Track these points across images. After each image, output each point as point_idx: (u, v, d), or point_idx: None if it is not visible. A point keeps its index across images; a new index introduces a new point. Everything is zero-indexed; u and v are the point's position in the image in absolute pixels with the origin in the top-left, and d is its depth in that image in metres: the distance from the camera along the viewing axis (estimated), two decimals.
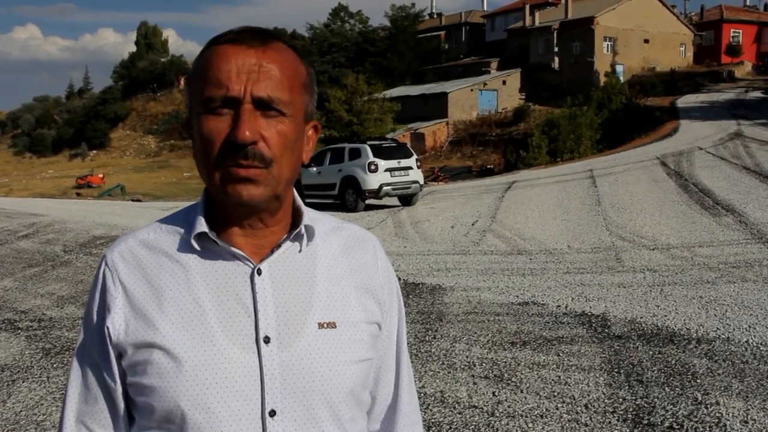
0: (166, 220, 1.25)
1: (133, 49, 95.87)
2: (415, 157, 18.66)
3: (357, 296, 1.23)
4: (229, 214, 1.16)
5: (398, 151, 18.47)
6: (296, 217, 1.22)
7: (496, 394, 4.99)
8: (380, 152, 17.86)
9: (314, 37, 70.30)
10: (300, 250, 1.21)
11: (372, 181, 17.41)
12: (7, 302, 8.28)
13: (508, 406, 4.75)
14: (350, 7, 71.35)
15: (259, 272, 1.16)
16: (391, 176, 17.60)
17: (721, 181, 16.88)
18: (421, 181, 18.54)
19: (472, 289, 8.40)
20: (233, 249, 1.16)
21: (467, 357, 5.84)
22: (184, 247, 1.18)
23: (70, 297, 8.47)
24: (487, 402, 4.84)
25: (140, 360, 1.13)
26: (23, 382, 5.50)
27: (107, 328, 1.16)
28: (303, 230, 1.21)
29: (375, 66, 60.97)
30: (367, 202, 17.99)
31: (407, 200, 18.34)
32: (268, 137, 1.10)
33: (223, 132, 1.09)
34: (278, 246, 1.18)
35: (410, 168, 17.99)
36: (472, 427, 4.46)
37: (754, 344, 5.94)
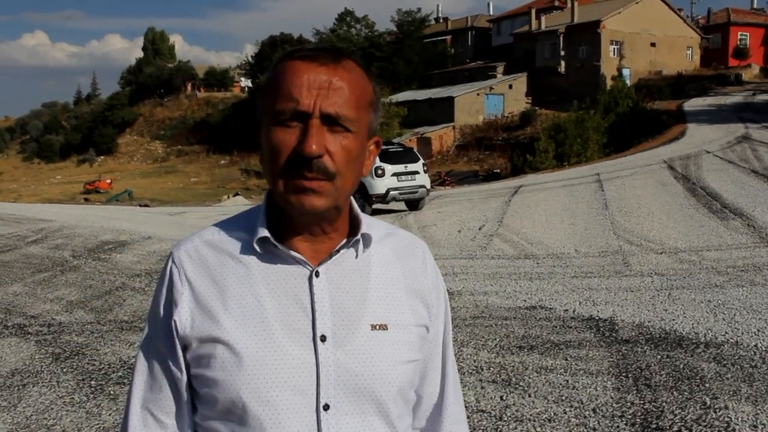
0: (229, 222, 1.31)
1: (140, 54, 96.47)
2: (421, 161, 18.66)
3: (408, 300, 1.30)
4: (290, 219, 1.22)
5: (405, 156, 18.47)
6: (354, 225, 1.28)
7: (504, 398, 4.99)
8: (387, 157, 17.86)
9: (320, 42, 70.45)
10: (356, 256, 1.28)
11: (379, 186, 17.41)
12: (17, 307, 8.32)
13: (516, 411, 4.75)
14: (356, 12, 71.57)
15: (317, 275, 1.23)
16: (398, 181, 17.60)
17: (728, 184, 16.83)
18: (428, 186, 18.53)
19: (479, 294, 8.40)
20: (293, 253, 1.22)
21: (475, 361, 5.84)
22: (247, 248, 1.25)
23: (79, 302, 8.50)
24: (494, 406, 4.85)
25: (204, 353, 1.20)
26: (33, 386, 5.53)
27: (174, 321, 1.22)
28: (360, 238, 1.27)
29: (381, 70, 61.07)
30: (374, 206, 17.99)
31: (414, 205, 18.33)
32: (333, 152, 1.16)
33: (291, 144, 1.15)
34: (336, 251, 1.24)
35: (417, 172, 17.98)
36: (480, 431, 4.46)
37: (763, 348, 5.92)
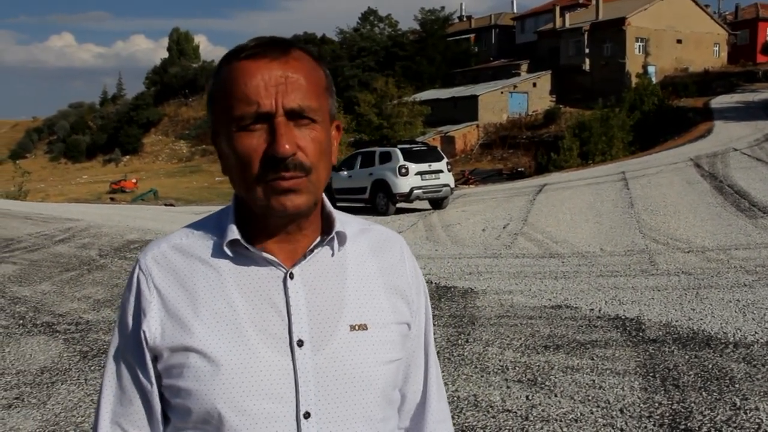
0: (197, 225, 1.26)
1: (165, 55, 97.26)
2: (445, 160, 18.62)
3: (387, 297, 1.25)
4: (264, 221, 1.17)
5: (429, 155, 18.45)
6: (327, 222, 1.23)
7: (530, 398, 4.96)
8: (411, 156, 17.86)
9: (344, 41, 70.56)
10: (333, 255, 1.22)
11: (403, 185, 17.41)
12: (46, 306, 8.42)
13: (542, 410, 4.72)
14: (380, 11, 71.58)
15: (292, 276, 1.18)
16: (422, 179, 17.58)
17: (757, 182, 16.61)
18: (452, 184, 18.49)
19: (504, 293, 8.36)
20: (265, 254, 1.17)
21: (500, 361, 5.81)
22: (217, 252, 1.19)
23: (106, 300, 8.59)
24: (520, 406, 4.82)
25: (176, 363, 1.15)
26: (62, 384, 5.60)
27: (143, 332, 1.17)
28: (335, 236, 1.22)
29: (405, 69, 60.99)
30: (398, 205, 17.99)
31: (438, 203, 18.31)
32: (305, 146, 1.12)
33: (260, 148, 1.10)
34: (311, 251, 1.20)
35: (441, 171, 17.96)
36: (506, 431, 4.43)
37: None
